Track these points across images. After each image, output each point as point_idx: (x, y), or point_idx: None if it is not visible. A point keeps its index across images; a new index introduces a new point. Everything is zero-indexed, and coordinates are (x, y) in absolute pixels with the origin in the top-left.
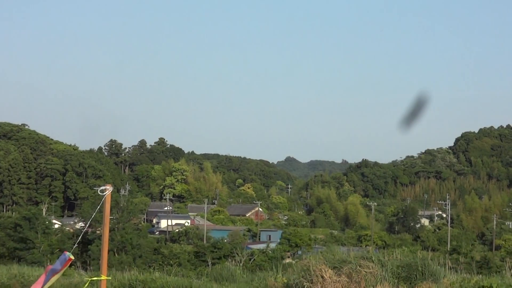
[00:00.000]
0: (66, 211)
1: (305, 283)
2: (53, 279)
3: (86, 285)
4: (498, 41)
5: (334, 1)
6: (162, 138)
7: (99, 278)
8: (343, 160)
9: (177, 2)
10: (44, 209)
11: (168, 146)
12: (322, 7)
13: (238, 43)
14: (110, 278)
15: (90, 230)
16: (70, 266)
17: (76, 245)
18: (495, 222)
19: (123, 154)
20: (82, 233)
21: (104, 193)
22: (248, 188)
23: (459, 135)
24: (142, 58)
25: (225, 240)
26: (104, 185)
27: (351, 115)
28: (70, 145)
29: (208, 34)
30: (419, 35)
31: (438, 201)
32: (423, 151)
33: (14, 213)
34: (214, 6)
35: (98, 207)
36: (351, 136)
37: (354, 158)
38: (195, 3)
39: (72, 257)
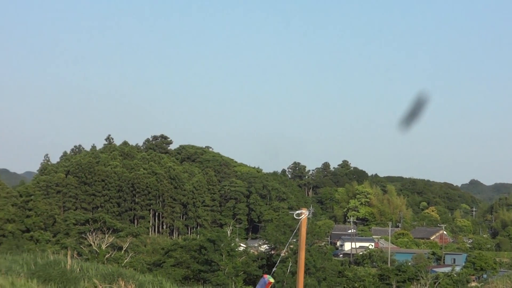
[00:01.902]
0: (250, 233)
1: None
2: None
3: None
4: None
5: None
6: (345, 160)
7: None
8: None
9: None
10: (228, 231)
11: (352, 168)
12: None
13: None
14: None
15: (274, 252)
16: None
17: (274, 269)
18: None
19: (306, 177)
20: (267, 255)
21: (300, 217)
22: (432, 211)
23: None
24: (325, 82)
25: (410, 263)
26: (300, 209)
27: None
28: (253, 168)
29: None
30: None
31: None
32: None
33: (199, 235)
34: None
35: (295, 231)
36: None
37: None
38: None
39: (272, 280)
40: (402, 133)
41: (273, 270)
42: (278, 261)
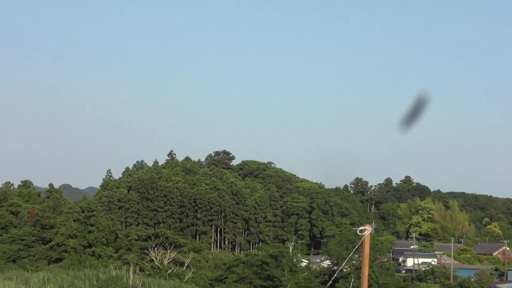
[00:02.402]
0: (312, 249)
1: None
2: None
3: None
4: None
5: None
6: (408, 176)
7: None
8: None
9: None
10: (290, 247)
11: (414, 184)
12: None
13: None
14: None
15: (336, 268)
16: None
17: (329, 283)
18: None
19: (368, 192)
20: (329, 271)
21: (363, 233)
22: (495, 226)
23: None
24: (387, 96)
25: (472, 279)
26: (363, 225)
27: None
28: (316, 183)
29: None
30: None
31: None
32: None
33: (260, 251)
34: None
35: (357, 246)
36: None
37: None
38: None
39: None
40: (458, 148)
41: (327, 284)
42: (334, 276)
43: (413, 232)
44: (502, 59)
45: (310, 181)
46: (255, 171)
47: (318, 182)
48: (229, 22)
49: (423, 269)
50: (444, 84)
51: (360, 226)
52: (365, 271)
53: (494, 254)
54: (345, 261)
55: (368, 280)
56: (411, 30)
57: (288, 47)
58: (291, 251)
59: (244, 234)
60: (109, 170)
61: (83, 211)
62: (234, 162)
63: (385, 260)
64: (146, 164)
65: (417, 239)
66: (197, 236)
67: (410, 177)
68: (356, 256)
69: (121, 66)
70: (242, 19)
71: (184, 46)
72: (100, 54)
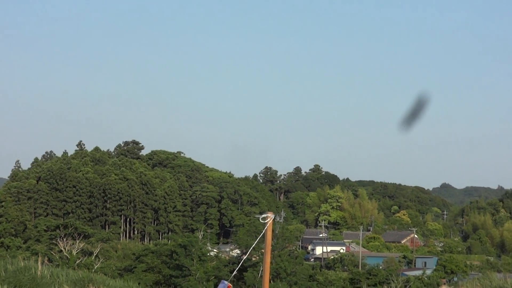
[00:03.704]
0: (221, 238)
1: None
2: None
3: None
4: None
5: None
6: (317, 165)
7: None
8: (499, 186)
9: None
10: (199, 236)
11: (323, 173)
12: None
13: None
14: None
15: (245, 257)
16: None
17: (235, 272)
18: None
19: (278, 181)
20: (238, 260)
21: (266, 221)
22: (404, 214)
23: None
24: (293, 87)
25: (381, 267)
26: (265, 213)
27: (506, 141)
28: (225, 173)
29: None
30: None
31: None
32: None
33: (170, 240)
34: None
35: (261, 235)
36: (507, 161)
37: (510, 184)
38: None
39: (231, 286)
40: (370, 137)
41: (232, 275)
42: (239, 265)
43: (322, 221)
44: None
45: (220, 170)
46: (164, 161)
47: (228, 171)
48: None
49: (332, 257)
50: (358, 70)
51: (263, 214)
52: (267, 258)
53: (402, 242)
54: (250, 249)
55: (277, 269)
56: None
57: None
58: (200, 240)
59: (154, 223)
60: (17, 161)
61: None
62: (143, 152)
63: (294, 248)
64: (55, 154)
65: (326, 227)
66: (107, 226)
67: (319, 166)
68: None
69: (31, 52)
70: None
71: (90, 36)
72: (7, 41)
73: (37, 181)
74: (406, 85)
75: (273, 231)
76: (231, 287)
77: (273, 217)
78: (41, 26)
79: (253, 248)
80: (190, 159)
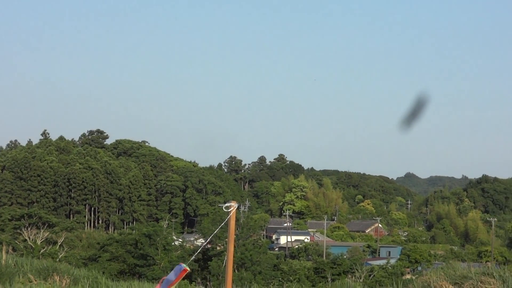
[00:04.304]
0: (186, 227)
1: None
2: None
3: None
4: None
5: None
6: (281, 154)
7: None
8: (463, 175)
9: None
10: (164, 226)
11: (288, 162)
12: None
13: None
14: None
15: (210, 246)
16: (190, 282)
17: (193, 257)
18: None
19: (242, 171)
20: (203, 249)
21: (229, 210)
22: (368, 204)
23: None
24: (260, 76)
25: (345, 256)
26: (229, 202)
27: (471, 131)
28: (190, 162)
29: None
30: None
31: None
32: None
33: (134, 230)
34: None
35: (223, 223)
36: (471, 151)
37: (474, 174)
38: None
39: (188, 268)
40: (335, 126)
41: (189, 260)
42: (197, 252)
43: (286, 210)
44: None
45: (184, 160)
46: (129, 150)
47: (192, 160)
48: None
49: (296, 246)
50: (319, 57)
51: (232, 204)
52: (231, 247)
53: (366, 231)
54: (210, 237)
55: (242, 258)
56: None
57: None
58: (164, 230)
59: (118, 213)
60: None
61: None
62: (108, 141)
63: (258, 238)
64: (19, 143)
65: (291, 216)
66: (71, 215)
67: (284, 155)
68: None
69: None
70: None
71: (53, 22)
72: None
73: (2, 170)
74: (369, 73)
75: (237, 220)
76: (187, 271)
77: (237, 206)
78: None
79: (218, 237)
80: (155, 148)
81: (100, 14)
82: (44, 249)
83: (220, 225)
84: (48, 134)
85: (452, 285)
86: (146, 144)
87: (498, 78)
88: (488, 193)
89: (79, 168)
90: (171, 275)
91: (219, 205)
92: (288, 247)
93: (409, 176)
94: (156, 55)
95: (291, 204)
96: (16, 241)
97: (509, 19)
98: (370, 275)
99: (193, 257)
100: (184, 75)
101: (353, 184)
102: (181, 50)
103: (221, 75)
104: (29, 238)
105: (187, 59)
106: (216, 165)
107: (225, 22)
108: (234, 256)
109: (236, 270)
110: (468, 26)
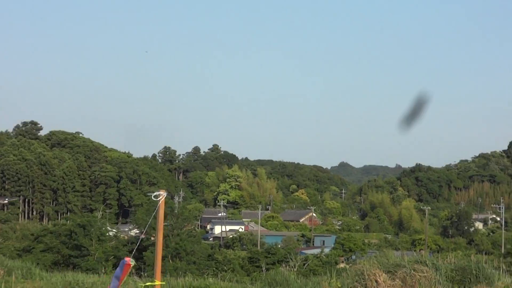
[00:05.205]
0: (120, 218)
1: None
2: (120, 284)
3: None
4: None
5: None
6: (216, 144)
7: (153, 284)
8: (396, 164)
9: None
10: (98, 216)
11: (222, 152)
12: None
13: (291, 47)
14: (164, 283)
15: (144, 236)
16: None
17: (134, 251)
18: None
19: (177, 161)
20: (137, 239)
21: (158, 199)
22: (302, 193)
23: None
24: (193, 66)
25: (279, 246)
26: (158, 191)
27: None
28: (124, 153)
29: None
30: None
31: (492, 205)
32: (477, 155)
33: (69, 220)
34: None
35: (154, 213)
36: (405, 141)
37: (407, 163)
38: None
39: (132, 263)
40: (270, 116)
41: (132, 254)
42: (138, 244)
43: (221, 200)
44: None
45: (118, 150)
46: (63, 141)
47: (126, 151)
48: None
49: (231, 236)
50: (243, 43)
51: (161, 193)
52: (160, 236)
53: (301, 221)
54: (146, 227)
55: (176, 248)
56: None
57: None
58: (99, 220)
59: (52, 204)
60: None
61: None
62: (42, 133)
63: (193, 228)
64: None
65: (225, 206)
66: (5, 207)
67: (218, 146)
68: (165, 224)
69: None
70: None
71: None
72: None
73: None
74: (301, 62)
75: (172, 210)
76: (130, 260)
77: (165, 195)
78: None
79: (153, 228)
80: (89, 139)
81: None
82: None
83: (154, 215)
84: None
85: (385, 274)
86: (80, 135)
87: (428, 67)
88: (422, 182)
89: (13, 160)
90: (118, 271)
91: (148, 193)
92: (223, 237)
93: (343, 166)
94: (89, 45)
95: (225, 194)
96: None
97: None
98: (304, 264)
99: (134, 251)
100: (118, 65)
101: (287, 174)
102: (113, 40)
103: (154, 65)
104: None
105: (119, 50)
106: (150, 155)
107: (148, 10)
108: (168, 246)
109: (170, 260)
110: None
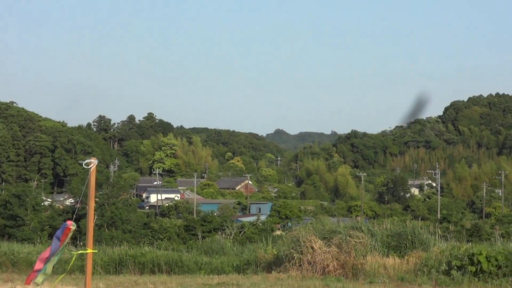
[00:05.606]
0: (55, 188)
1: (295, 254)
2: (61, 246)
3: (74, 258)
4: (486, 9)
5: None
6: (151, 113)
7: (85, 251)
8: (332, 131)
9: None
10: (33, 186)
11: (157, 121)
12: None
13: (230, 13)
14: (96, 251)
15: (80, 206)
16: None
17: (74, 220)
18: (484, 190)
19: (112, 130)
20: (73, 208)
21: (89, 167)
22: (238, 161)
23: (448, 104)
24: (129, 32)
25: (215, 214)
26: (89, 159)
27: (339, 87)
28: (58, 122)
29: (197, 7)
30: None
31: (427, 171)
32: (412, 121)
33: (3, 190)
34: None
35: (87, 182)
36: (340, 107)
37: (343, 129)
38: None
39: (73, 227)
40: (204, 83)
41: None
42: (75, 213)
43: (156, 168)
44: None
45: (53, 120)
46: None
47: (61, 120)
48: None
49: (167, 204)
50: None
51: (92, 160)
52: (91, 203)
53: (237, 188)
54: (80, 196)
55: (112, 217)
56: None
57: None
58: (34, 190)
59: None
60: None
61: None
62: None
63: (128, 196)
64: None
65: (161, 175)
66: None
67: (153, 114)
68: (100, 193)
69: None
70: None
71: None
72: None
73: None
74: (236, 23)
75: (107, 179)
76: (71, 224)
77: (96, 163)
78: None
79: (87, 197)
80: (23, 108)
81: None
82: None
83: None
84: None
85: (321, 240)
86: (14, 104)
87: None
88: (357, 148)
89: None
90: (58, 232)
91: (80, 162)
92: (159, 205)
93: (279, 133)
94: (19, 11)
95: (161, 163)
96: None
97: None
98: (240, 232)
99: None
100: (49, 31)
101: (222, 142)
102: (45, 7)
103: (87, 30)
104: None
105: (51, 15)
106: (85, 124)
107: None
108: (104, 215)
109: (106, 229)
110: None
